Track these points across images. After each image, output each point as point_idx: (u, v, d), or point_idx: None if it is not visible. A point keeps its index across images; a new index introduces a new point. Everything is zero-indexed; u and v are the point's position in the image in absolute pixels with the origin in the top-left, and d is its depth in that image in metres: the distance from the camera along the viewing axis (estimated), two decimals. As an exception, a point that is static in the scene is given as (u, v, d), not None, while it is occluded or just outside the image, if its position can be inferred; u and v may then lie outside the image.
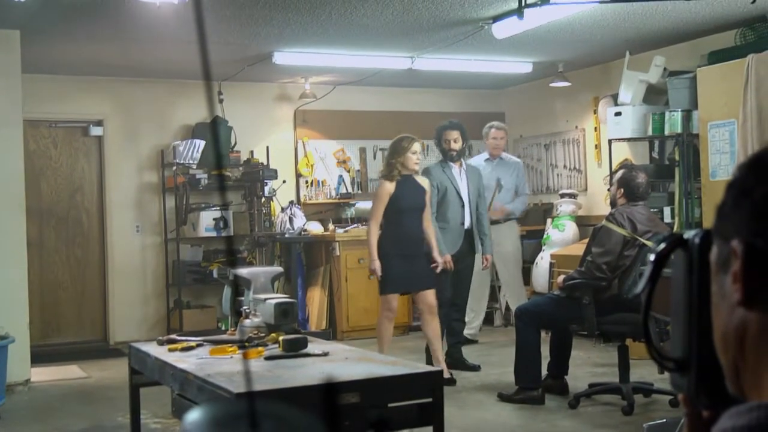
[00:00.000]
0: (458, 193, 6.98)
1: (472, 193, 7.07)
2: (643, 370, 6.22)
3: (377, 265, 6.36)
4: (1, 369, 6.25)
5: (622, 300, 5.42)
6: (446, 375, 6.28)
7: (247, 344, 3.76)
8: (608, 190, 6.70)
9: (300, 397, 2.81)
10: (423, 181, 6.57)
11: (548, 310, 5.88)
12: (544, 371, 5.99)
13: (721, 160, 6.98)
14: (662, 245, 0.99)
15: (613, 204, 5.84)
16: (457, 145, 6.96)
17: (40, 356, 7.36)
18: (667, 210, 7.53)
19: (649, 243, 5.41)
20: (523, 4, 6.13)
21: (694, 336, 0.96)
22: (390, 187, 6.41)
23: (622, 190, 5.67)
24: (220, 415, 0.80)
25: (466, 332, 7.82)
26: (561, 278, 5.85)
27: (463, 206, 7.00)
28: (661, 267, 0.99)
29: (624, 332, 5.57)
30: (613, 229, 5.53)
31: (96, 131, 8.96)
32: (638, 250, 5.44)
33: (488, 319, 9.11)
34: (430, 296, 6.46)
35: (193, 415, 0.77)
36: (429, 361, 6.64)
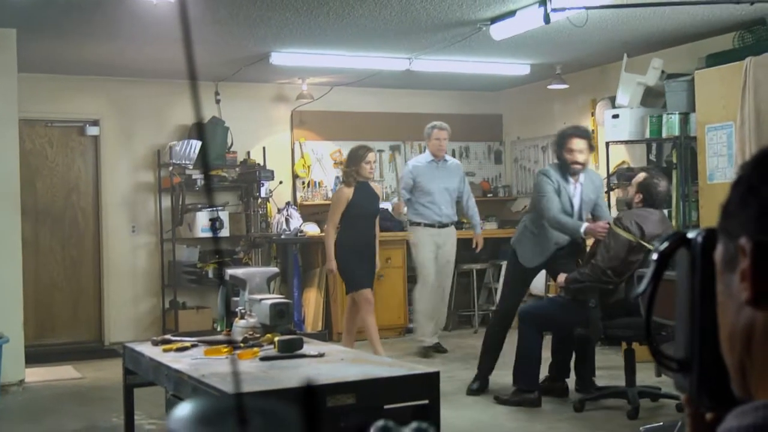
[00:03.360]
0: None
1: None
2: (653, 373, 6.20)
3: (333, 265, 7.02)
4: (-5, 369, 6.22)
5: (630, 304, 5.34)
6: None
7: (242, 345, 3.73)
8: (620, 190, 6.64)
9: (295, 398, 2.79)
10: (377, 188, 7.22)
11: (552, 313, 5.87)
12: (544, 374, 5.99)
13: (719, 163, 6.97)
14: (665, 244, 0.98)
15: (628, 206, 5.79)
16: (582, 157, 6.02)
17: (34, 356, 7.33)
18: (664, 213, 7.52)
19: (651, 246, 5.34)
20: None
21: (697, 336, 0.94)
22: (348, 192, 6.96)
23: (642, 195, 5.57)
24: (207, 411, 0.77)
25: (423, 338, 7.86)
26: (562, 278, 5.79)
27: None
28: (664, 266, 0.97)
29: (630, 336, 5.53)
30: (619, 233, 5.45)
31: (92, 131, 8.93)
32: (645, 256, 5.35)
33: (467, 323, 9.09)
34: (370, 293, 7.06)
35: (180, 412, 0.75)
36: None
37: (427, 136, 7.83)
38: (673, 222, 7.37)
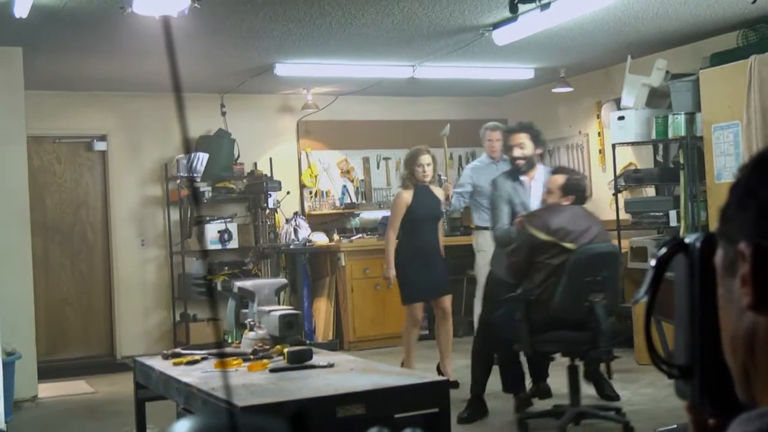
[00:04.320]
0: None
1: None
2: (652, 376, 6.17)
3: (392, 273, 6.54)
4: (8, 385, 6.24)
5: (555, 316, 4.91)
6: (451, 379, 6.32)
7: (252, 356, 3.74)
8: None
9: (288, 411, 2.79)
10: (438, 192, 6.69)
11: (497, 326, 5.43)
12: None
13: (726, 162, 6.96)
14: (663, 250, 0.98)
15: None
16: (520, 152, 5.73)
17: (46, 372, 7.35)
18: (672, 213, 7.51)
19: (569, 245, 4.86)
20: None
21: (698, 342, 0.94)
22: (407, 197, 6.54)
23: (572, 196, 5.13)
24: (202, 428, 0.78)
25: None
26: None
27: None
28: (662, 273, 0.97)
29: (558, 350, 5.16)
30: (527, 230, 5.00)
31: (99, 146, 8.97)
32: (561, 256, 4.88)
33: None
34: (446, 301, 6.62)
35: (180, 427, 0.76)
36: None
37: (482, 138, 7.32)
38: (682, 222, 7.35)
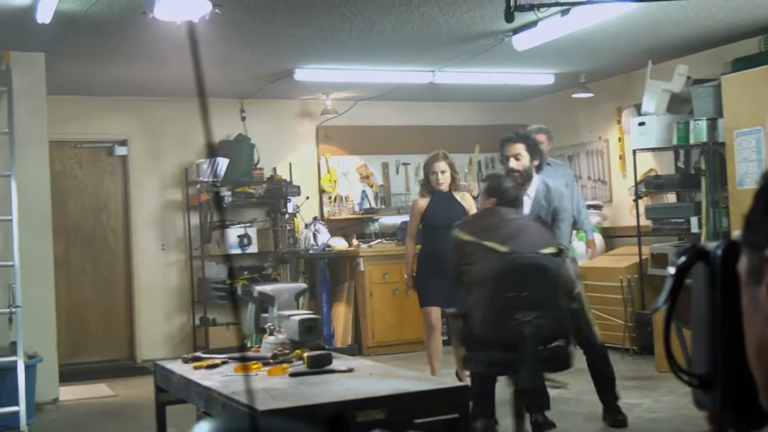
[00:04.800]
0: None
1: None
2: (672, 383, 6.13)
3: (410, 279, 6.60)
4: (30, 388, 6.28)
5: (482, 334, 4.37)
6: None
7: (271, 361, 3.75)
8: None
9: (324, 414, 2.80)
10: (464, 198, 6.44)
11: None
12: None
13: (748, 169, 6.91)
14: (682, 258, 0.97)
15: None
16: (519, 163, 5.45)
17: (68, 375, 7.40)
18: (694, 220, 7.47)
19: (491, 245, 4.40)
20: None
21: (719, 351, 0.93)
22: (421, 204, 6.49)
23: (494, 198, 4.78)
24: (226, 428, 0.79)
25: None
26: None
27: None
28: (682, 281, 0.96)
29: (481, 371, 4.77)
30: (454, 234, 4.67)
31: (120, 151, 9.03)
32: (483, 261, 4.43)
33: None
34: None
35: (201, 429, 0.77)
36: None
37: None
38: (704, 229, 7.31)
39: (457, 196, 6.48)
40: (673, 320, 1.00)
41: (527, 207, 5.28)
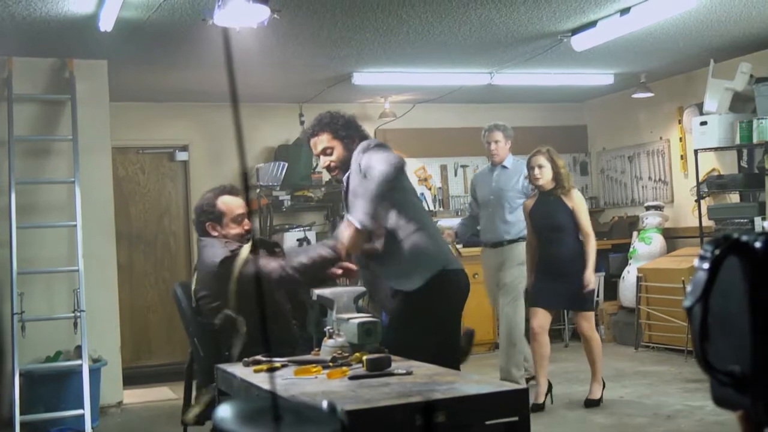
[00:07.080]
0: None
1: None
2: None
3: (527, 280, 6.44)
4: (94, 391, 6.40)
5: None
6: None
7: (331, 364, 3.76)
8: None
9: (384, 416, 2.80)
10: (571, 200, 6.11)
11: None
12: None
13: (814, 168, 6.76)
14: (716, 251, 0.92)
15: None
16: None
17: (131, 378, 7.51)
18: (758, 220, 7.32)
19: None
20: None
21: (760, 348, 0.89)
22: (528, 203, 6.40)
23: None
24: (247, 409, 0.82)
25: None
26: None
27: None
28: (716, 274, 0.91)
29: None
30: None
31: (181, 156, 9.15)
32: None
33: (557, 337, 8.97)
34: (580, 318, 6.24)
35: (224, 410, 0.80)
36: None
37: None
38: (768, 229, 7.17)
39: (565, 197, 6.12)
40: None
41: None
